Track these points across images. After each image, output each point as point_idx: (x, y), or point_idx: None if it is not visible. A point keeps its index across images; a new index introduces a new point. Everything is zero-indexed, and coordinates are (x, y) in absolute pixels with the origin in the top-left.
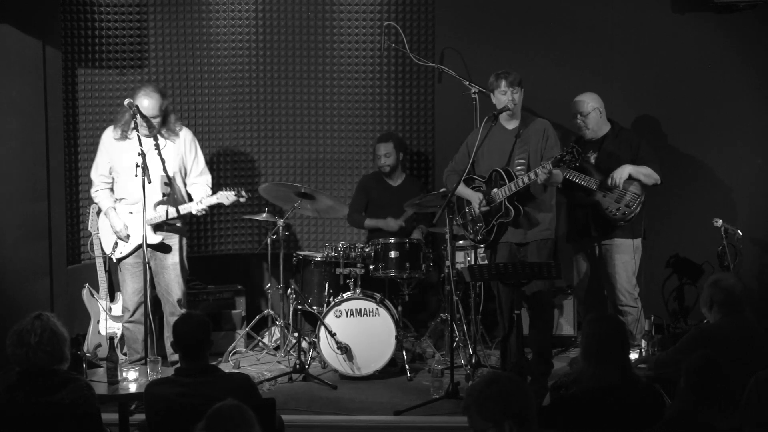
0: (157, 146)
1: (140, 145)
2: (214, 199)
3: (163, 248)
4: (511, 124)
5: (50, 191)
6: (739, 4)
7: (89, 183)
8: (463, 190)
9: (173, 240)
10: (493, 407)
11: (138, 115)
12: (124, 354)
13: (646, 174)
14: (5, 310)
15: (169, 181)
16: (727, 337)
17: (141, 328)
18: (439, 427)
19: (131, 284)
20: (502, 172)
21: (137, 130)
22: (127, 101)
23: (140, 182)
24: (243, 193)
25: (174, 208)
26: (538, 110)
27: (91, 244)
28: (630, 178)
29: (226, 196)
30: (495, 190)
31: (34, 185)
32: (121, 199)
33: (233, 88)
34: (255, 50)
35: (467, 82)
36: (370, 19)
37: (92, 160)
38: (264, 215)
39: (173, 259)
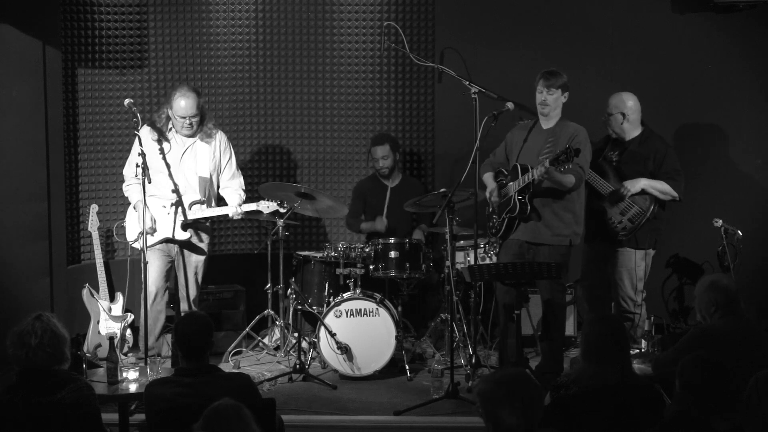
0: (161, 150)
1: (140, 145)
2: (253, 206)
3: (190, 246)
4: (547, 125)
5: (50, 191)
6: (739, 4)
7: (89, 177)
8: (487, 180)
9: (201, 240)
10: (500, 406)
11: (168, 119)
12: (125, 354)
13: (662, 191)
14: (5, 310)
15: (175, 188)
16: (728, 336)
17: (162, 317)
18: (439, 427)
19: (157, 268)
20: (519, 166)
21: (136, 132)
22: (127, 101)
23: (172, 180)
24: (285, 204)
25: (210, 210)
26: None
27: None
28: (643, 192)
29: (267, 206)
30: (510, 183)
31: (34, 185)
32: (152, 195)
33: (233, 88)
34: (255, 50)
35: (467, 82)
36: (370, 19)
37: (92, 159)
38: (264, 215)
39: (198, 257)
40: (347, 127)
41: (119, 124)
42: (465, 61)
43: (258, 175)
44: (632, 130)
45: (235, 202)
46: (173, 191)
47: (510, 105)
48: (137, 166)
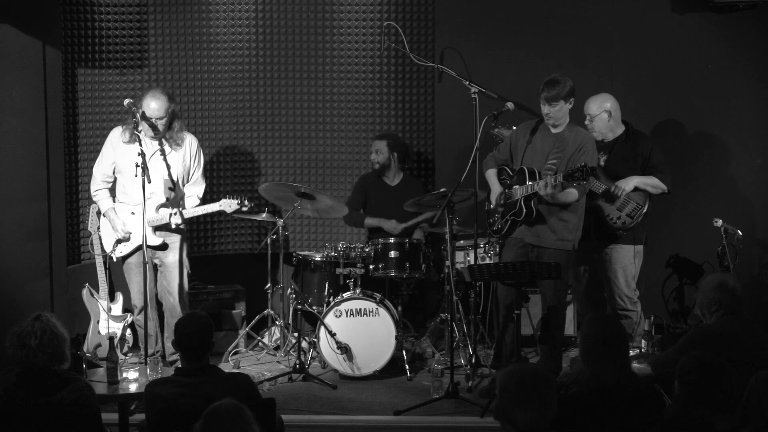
0: (162, 151)
1: (140, 145)
2: (215, 206)
3: (164, 248)
4: (556, 130)
5: (50, 191)
6: (739, 4)
7: (89, 176)
8: (491, 178)
9: (173, 239)
10: (517, 402)
11: (143, 119)
12: (125, 354)
13: (654, 185)
14: (5, 310)
15: (173, 186)
16: (728, 336)
17: (151, 325)
18: (439, 427)
19: (137, 283)
20: (527, 170)
21: (136, 132)
22: (126, 101)
23: (141, 183)
24: (246, 202)
25: (178, 213)
26: (538, 110)
27: (92, 243)
28: (636, 189)
29: (229, 204)
30: (516, 186)
31: (34, 185)
32: (122, 202)
33: (233, 88)
34: (255, 50)
35: (467, 82)
36: (370, 19)
37: (92, 160)
38: (264, 215)
39: (173, 257)
40: (347, 127)
41: (119, 124)
42: (465, 61)
43: (258, 175)
44: (616, 128)
45: (194, 204)
46: (170, 188)
47: (510, 105)
48: (137, 165)
